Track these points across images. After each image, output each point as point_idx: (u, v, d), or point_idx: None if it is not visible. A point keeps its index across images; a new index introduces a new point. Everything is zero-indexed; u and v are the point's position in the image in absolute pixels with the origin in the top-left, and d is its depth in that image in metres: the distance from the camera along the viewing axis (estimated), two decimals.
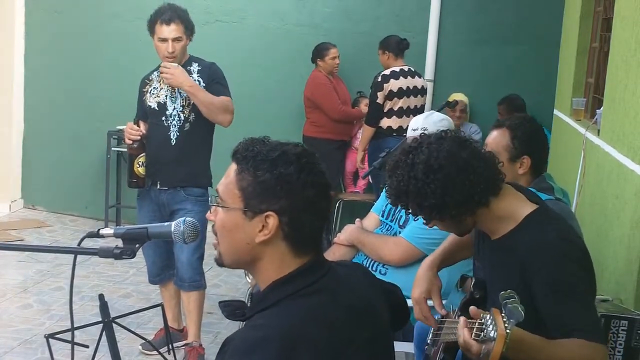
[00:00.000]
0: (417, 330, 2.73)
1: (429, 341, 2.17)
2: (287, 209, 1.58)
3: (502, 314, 1.67)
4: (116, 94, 6.44)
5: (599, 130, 3.67)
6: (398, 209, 3.16)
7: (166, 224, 1.90)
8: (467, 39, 6.46)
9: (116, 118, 6.23)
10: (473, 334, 1.72)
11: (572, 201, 3.92)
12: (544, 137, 2.90)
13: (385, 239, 3.11)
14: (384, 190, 3.41)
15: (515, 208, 2.03)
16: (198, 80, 3.78)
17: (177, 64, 3.72)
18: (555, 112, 5.77)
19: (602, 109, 3.67)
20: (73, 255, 2.00)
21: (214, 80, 3.83)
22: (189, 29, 3.80)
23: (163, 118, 3.81)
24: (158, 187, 3.85)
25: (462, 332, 1.75)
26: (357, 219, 3.33)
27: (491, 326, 1.66)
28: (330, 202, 1.67)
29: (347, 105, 6.30)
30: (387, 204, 3.27)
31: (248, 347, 1.48)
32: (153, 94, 3.87)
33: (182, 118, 3.80)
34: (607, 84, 3.62)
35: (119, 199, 6.76)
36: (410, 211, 2.02)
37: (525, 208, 2.03)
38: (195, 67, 3.84)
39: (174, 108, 3.80)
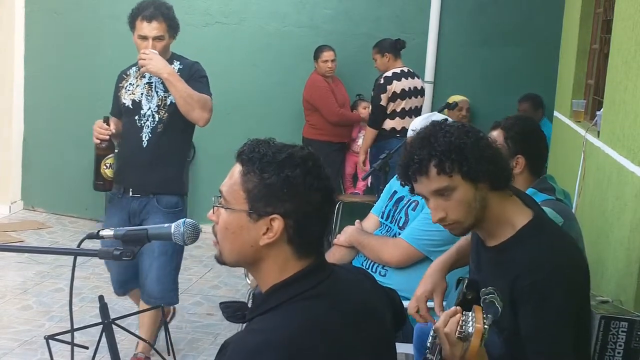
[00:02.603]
0: (417, 332, 2.72)
1: (428, 344, 2.17)
2: (292, 212, 1.57)
3: (483, 311, 1.68)
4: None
5: (599, 132, 3.67)
6: (398, 210, 3.16)
7: (166, 225, 1.89)
8: (467, 40, 6.46)
9: None
10: (457, 332, 1.72)
11: (573, 203, 3.92)
12: (540, 137, 2.90)
13: (384, 240, 3.11)
14: (383, 191, 3.43)
15: (514, 214, 2.03)
16: None
17: (156, 50, 3.49)
18: (555, 113, 5.78)
19: (602, 110, 3.67)
20: (73, 257, 2.00)
21: (194, 78, 3.59)
22: (172, 28, 3.58)
23: (136, 117, 3.58)
24: (130, 194, 3.61)
25: (449, 324, 1.75)
26: (357, 220, 3.33)
27: (471, 322, 1.67)
28: (333, 206, 1.66)
29: (346, 107, 6.29)
30: (387, 205, 3.26)
31: (247, 351, 1.47)
32: (129, 90, 3.64)
33: (157, 119, 3.56)
34: (607, 85, 3.62)
35: None
36: (454, 169, 1.94)
37: (523, 216, 2.03)
38: (176, 65, 3.61)
39: (149, 107, 3.57)
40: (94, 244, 1.96)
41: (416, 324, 2.76)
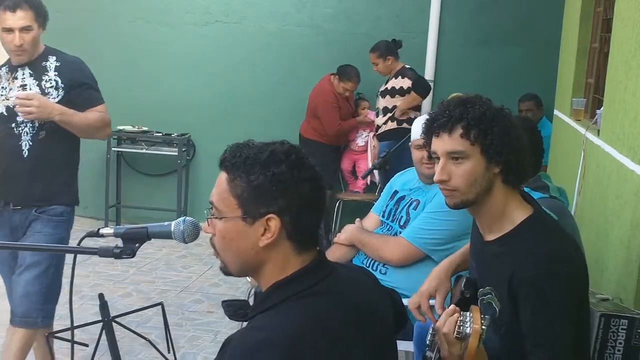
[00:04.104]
0: (417, 330, 2.73)
1: (427, 342, 2.18)
2: (285, 208, 1.57)
3: (481, 311, 1.69)
4: (116, 94, 6.44)
5: (599, 131, 3.67)
6: (399, 209, 3.16)
7: (166, 223, 1.88)
8: (467, 39, 6.47)
9: (116, 118, 6.21)
10: (455, 332, 1.73)
11: (572, 201, 3.93)
12: (537, 138, 2.89)
13: (385, 238, 3.11)
14: (384, 190, 3.43)
15: (515, 210, 2.04)
16: (55, 80, 3.20)
17: (34, 92, 3.12)
18: (556, 112, 5.78)
19: (602, 109, 3.67)
20: (73, 255, 2.01)
21: (85, 85, 3.26)
22: (40, 16, 3.17)
23: (13, 125, 3.17)
24: (11, 207, 3.23)
25: (447, 324, 1.76)
26: (357, 219, 3.33)
27: (469, 323, 1.68)
28: (324, 194, 1.65)
29: (349, 120, 6.32)
30: (388, 205, 3.26)
31: (248, 349, 1.47)
32: (2, 95, 3.22)
33: (37, 125, 3.17)
34: (607, 84, 3.62)
35: (119, 198, 6.77)
36: (477, 138, 1.97)
37: (522, 211, 2.04)
38: (52, 62, 3.25)
39: None
40: (94, 242, 1.96)
41: (416, 322, 2.76)
